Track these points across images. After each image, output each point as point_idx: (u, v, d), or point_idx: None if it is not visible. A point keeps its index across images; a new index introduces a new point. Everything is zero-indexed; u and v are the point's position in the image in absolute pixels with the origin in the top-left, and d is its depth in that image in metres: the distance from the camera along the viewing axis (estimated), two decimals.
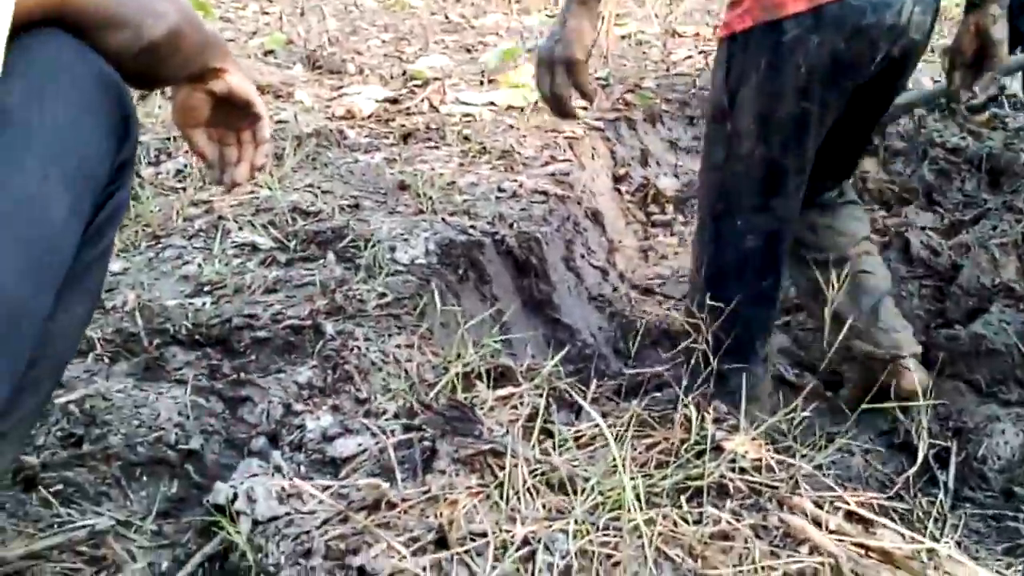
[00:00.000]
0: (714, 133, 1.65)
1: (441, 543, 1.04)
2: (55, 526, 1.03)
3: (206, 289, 1.72)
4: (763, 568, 1.03)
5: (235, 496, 1.05)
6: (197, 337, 1.54)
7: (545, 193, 2.41)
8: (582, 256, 2.34)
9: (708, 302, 1.56)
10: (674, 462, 1.25)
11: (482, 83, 3.42)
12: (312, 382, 1.42)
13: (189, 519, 1.11)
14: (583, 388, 1.50)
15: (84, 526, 1.02)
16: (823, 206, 1.85)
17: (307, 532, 1.00)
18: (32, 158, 0.72)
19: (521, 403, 1.40)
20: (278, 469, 1.14)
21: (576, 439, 1.29)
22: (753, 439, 1.31)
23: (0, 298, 0.69)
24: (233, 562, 1.01)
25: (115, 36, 0.80)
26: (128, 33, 0.81)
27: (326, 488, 1.11)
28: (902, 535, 1.11)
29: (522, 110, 3.12)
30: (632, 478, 1.14)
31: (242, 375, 1.36)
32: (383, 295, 1.72)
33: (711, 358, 1.41)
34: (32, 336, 0.72)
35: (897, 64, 1.61)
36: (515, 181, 2.43)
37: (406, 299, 1.73)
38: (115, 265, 1.80)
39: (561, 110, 1.68)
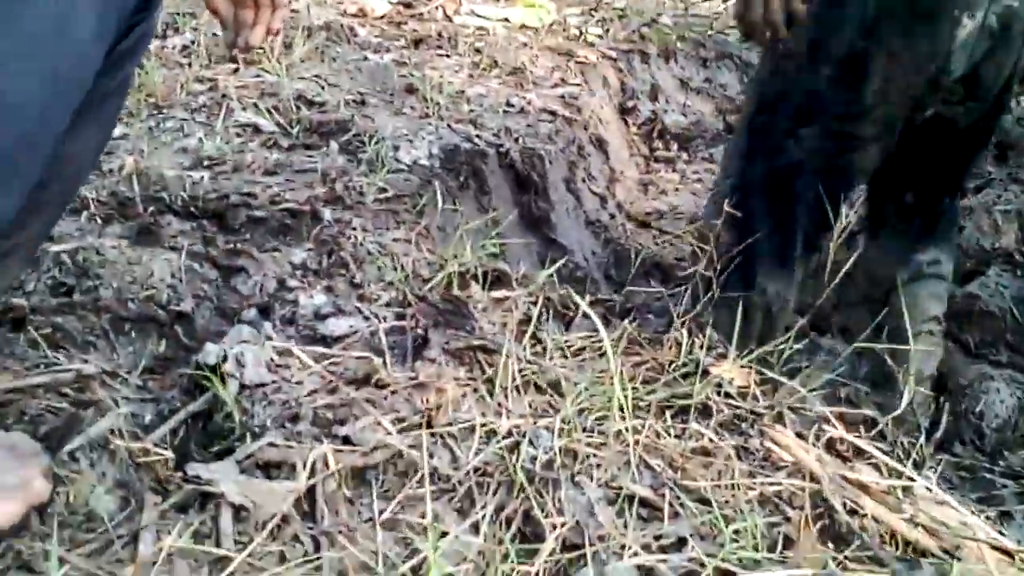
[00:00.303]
0: (770, 48, 1.60)
1: (426, 426, 1.04)
2: (41, 366, 1.02)
3: (205, 164, 1.69)
4: (741, 486, 1.04)
5: (225, 358, 1.04)
6: (193, 209, 1.52)
7: (553, 113, 2.38)
8: (583, 180, 2.32)
9: (724, 212, 1.51)
10: (662, 380, 1.25)
11: None
12: (307, 263, 1.41)
13: (175, 377, 1.10)
14: (576, 300, 1.50)
15: (71, 369, 1.01)
16: (911, 278, 1.72)
17: (295, 399, 1.00)
18: None
19: (514, 307, 1.40)
20: (268, 339, 1.14)
21: (566, 347, 1.29)
22: (741, 367, 1.31)
23: (19, 112, 0.67)
24: (217, 422, 1.01)
25: None
26: None
27: (318, 359, 1.11)
28: (880, 470, 1.13)
29: (536, 31, 3.06)
30: (622, 389, 1.14)
31: (238, 246, 1.35)
32: (383, 190, 1.70)
33: (714, 284, 1.40)
34: (46, 154, 0.70)
35: (1000, 39, 1.48)
36: (524, 98, 2.40)
37: (406, 197, 1.71)
38: (115, 130, 1.76)
39: (772, 35, 1.53)
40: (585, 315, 1.44)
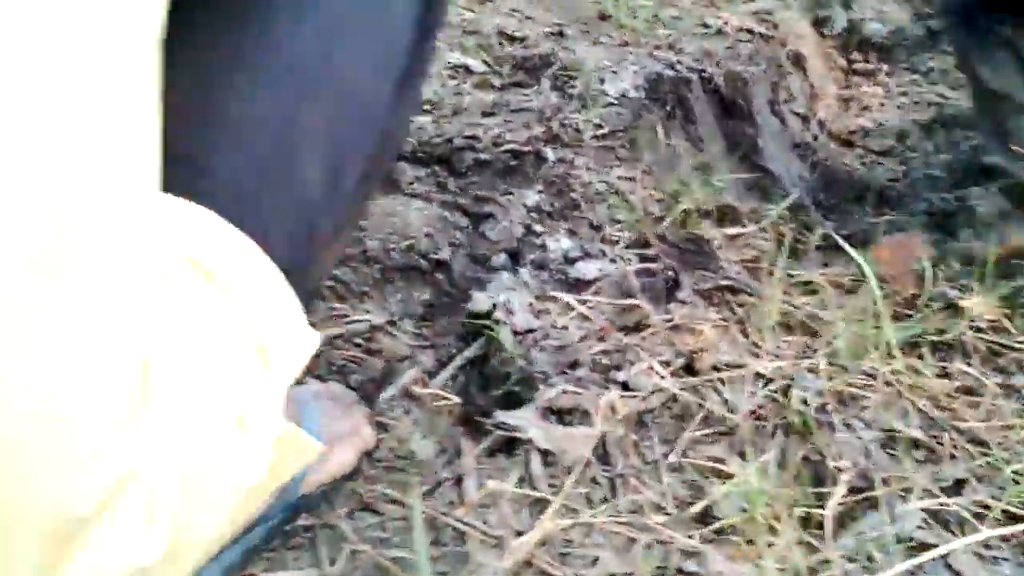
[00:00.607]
0: None
1: (688, 369, 1.07)
2: (333, 318, 1.11)
3: (426, 108, 1.75)
4: (1014, 426, 1.03)
5: (494, 306, 1.10)
6: (421, 155, 1.58)
7: (750, 31, 2.32)
8: (785, 101, 2.27)
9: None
10: (913, 316, 1.24)
11: None
12: (540, 206, 1.45)
13: (444, 324, 1.17)
14: (807, 233, 1.49)
15: (363, 320, 1.09)
16: None
17: (568, 344, 1.05)
18: None
19: (748, 244, 1.41)
20: (525, 285, 1.19)
21: (814, 283, 1.29)
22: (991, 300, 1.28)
23: (355, 95, 0.72)
24: (493, 366, 1.07)
25: None
26: None
27: (577, 303, 1.15)
28: None
29: None
30: (875, 327, 1.14)
31: (484, 193, 1.40)
32: (599, 126, 1.72)
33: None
34: (378, 133, 0.75)
35: None
36: (719, 17, 2.35)
37: (620, 132, 1.73)
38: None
39: None
40: (818, 248, 1.44)
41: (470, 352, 1.10)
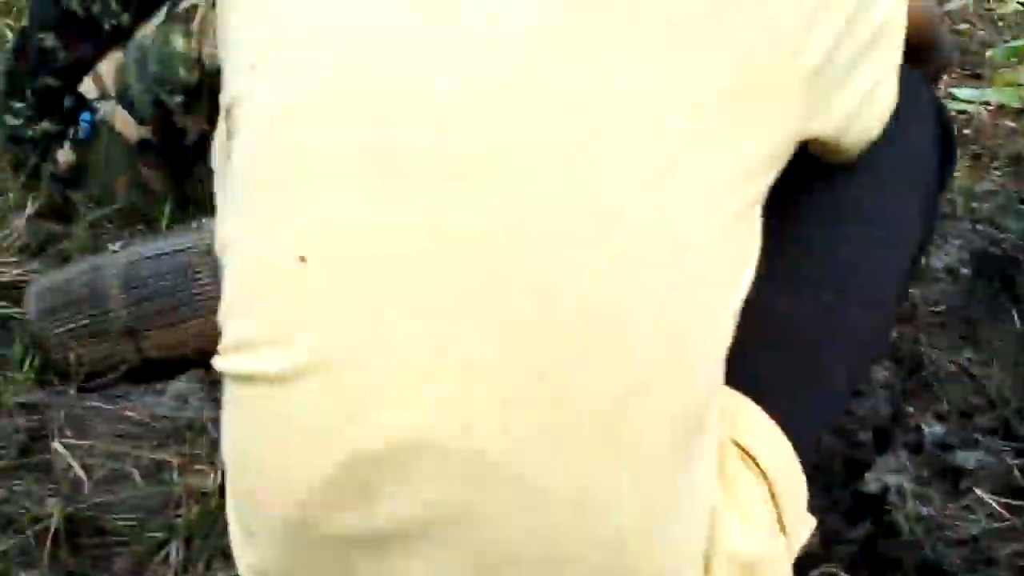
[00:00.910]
0: None
1: None
2: None
3: None
4: None
5: (886, 488, 1.12)
6: None
7: None
8: None
9: None
10: None
11: (972, 76, 3.25)
12: (890, 382, 1.46)
13: (824, 500, 1.19)
14: None
15: None
16: None
17: (976, 540, 1.05)
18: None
19: None
20: (906, 468, 1.20)
21: None
22: None
23: (876, 300, 0.80)
24: (886, 551, 1.08)
25: None
26: None
27: (961, 493, 1.15)
28: None
29: (1020, 112, 2.93)
30: None
31: None
32: (935, 302, 1.72)
33: None
34: (887, 334, 0.83)
35: None
36: None
37: (958, 309, 1.73)
38: None
39: None
40: None
41: (857, 533, 1.12)
